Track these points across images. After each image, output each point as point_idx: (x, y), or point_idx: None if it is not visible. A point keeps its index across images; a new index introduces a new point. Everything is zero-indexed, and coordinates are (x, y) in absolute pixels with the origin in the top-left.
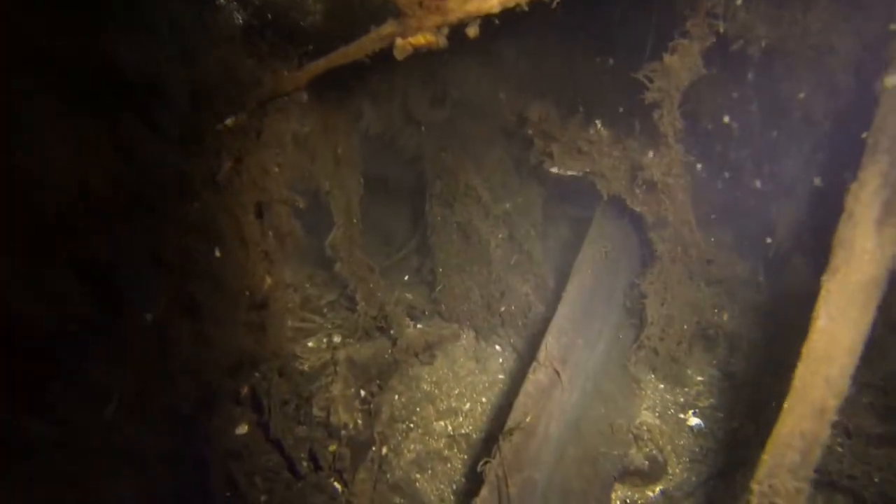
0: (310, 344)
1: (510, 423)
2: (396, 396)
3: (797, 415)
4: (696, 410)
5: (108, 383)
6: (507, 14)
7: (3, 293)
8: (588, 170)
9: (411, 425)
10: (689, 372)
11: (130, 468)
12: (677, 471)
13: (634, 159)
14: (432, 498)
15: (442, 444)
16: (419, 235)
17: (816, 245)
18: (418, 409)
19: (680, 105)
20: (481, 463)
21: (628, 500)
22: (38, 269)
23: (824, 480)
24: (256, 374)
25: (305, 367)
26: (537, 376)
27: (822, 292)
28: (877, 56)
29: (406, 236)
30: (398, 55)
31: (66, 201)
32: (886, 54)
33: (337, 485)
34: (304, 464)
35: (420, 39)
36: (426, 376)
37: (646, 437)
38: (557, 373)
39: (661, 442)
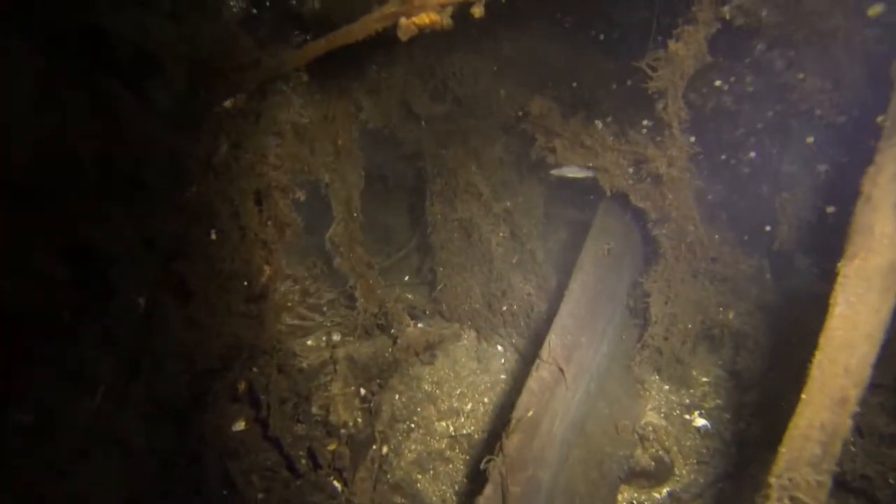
0: (309, 342)
1: (513, 420)
2: (397, 396)
3: (816, 406)
4: (703, 411)
5: (96, 369)
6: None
7: None
8: (591, 164)
9: (412, 425)
10: (695, 373)
11: (115, 459)
12: (684, 472)
13: (638, 152)
14: (434, 499)
15: (444, 445)
16: (419, 234)
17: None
18: (419, 409)
19: (684, 94)
20: (484, 461)
21: (635, 502)
22: (24, 249)
23: (837, 481)
24: (254, 370)
25: (304, 365)
26: (541, 374)
27: (840, 278)
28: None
29: (406, 235)
30: (402, 35)
31: (53, 177)
32: None
33: (336, 483)
34: (303, 462)
35: (424, 19)
36: (427, 376)
37: (651, 438)
38: (561, 370)
39: (667, 443)
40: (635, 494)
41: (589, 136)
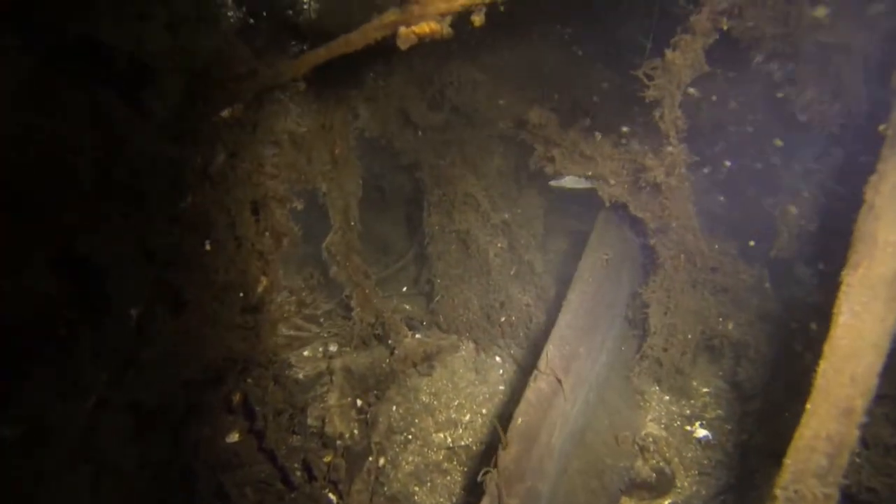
0: (305, 353)
1: (510, 431)
2: (394, 407)
3: (822, 416)
4: (703, 422)
5: (87, 382)
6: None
7: None
8: (590, 173)
9: (409, 437)
10: (695, 383)
11: (105, 474)
12: (686, 484)
13: (637, 161)
14: None
15: (441, 457)
16: (417, 245)
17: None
18: (417, 420)
19: (681, 104)
20: (482, 473)
21: None
22: (16, 260)
23: (843, 493)
24: (249, 381)
25: (300, 376)
26: (538, 384)
27: (843, 287)
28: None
29: (404, 246)
30: (401, 44)
31: (47, 186)
32: None
33: (332, 496)
34: (298, 474)
35: (424, 28)
36: (425, 387)
37: (652, 449)
38: (559, 381)
39: (667, 454)
40: None
41: (588, 145)
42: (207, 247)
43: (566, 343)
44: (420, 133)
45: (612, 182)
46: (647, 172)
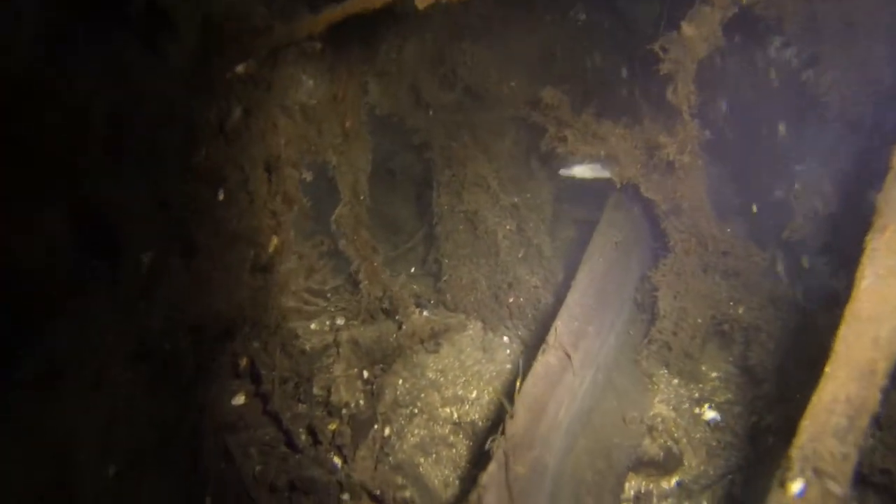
0: (312, 326)
1: (519, 401)
2: (401, 381)
3: (841, 378)
4: (713, 405)
5: (100, 326)
6: None
7: None
8: (602, 152)
9: (416, 411)
10: (704, 368)
11: (116, 417)
12: (694, 463)
13: (650, 139)
14: (436, 482)
15: (447, 431)
16: (426, 226)
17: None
18: (423, 395)
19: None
20: (490, 440)
21: (643, 490)
22: (32, 208)
23: (855, 475)
24: (256, 345)
25: (307, 348)
26: (547, 358)
27: (867, 251)
28: None
29: (413, 228)
30: (420, 4)
31: (62, 133)
32: None
33: (336, 460)
34: (303, 438)
35: None
36: (431, 364)
37: (660, 429)
38: (568, 356)
39: (676, 434)
40: (643, 483)
41: (600, 125)
42: (221, 197)
43: (575, 320)
44: (431, 112)
45: (625, 162)
46: (660, 150)
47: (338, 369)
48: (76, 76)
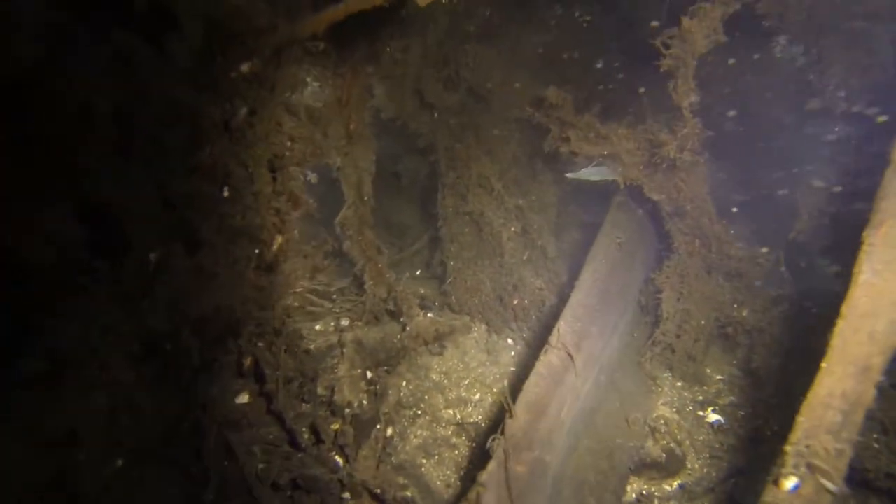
0: (317, 327)
1: (520, 401)
2: (404, 383)
3: (838, 374)
4: (716, 408)
5: (106, 320)
6: None
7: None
8: (605, 153)
9: (419, 412)
10: (708, 371)
11: (121, 410)
12: (696, 466)
13: (652, 138)
14: (438, 483)
15: (450, 432)
16: (431, 229)
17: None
18: (426, 396)
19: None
20: (491, 439)
21: (645, 493)
22: (38, 206)
23: (859, 480)
24: (261, 345)
25: (311, 348)
26: (549, 358)
27: (865, 247)
28: None
29: (419, 231)
30: (421, 0)
31: (69, 132)
32: None
33: (339, 459)
34: (306, 437)
35: None
36: (436, 366)
37: (663, 431)
38: (571, 357)
39: (679, 436)
40: (645, 486)
41: (603, 125)
42: (225, 193)
43: (578, 320)
44: (436, 115)
45: (628, 162)
46: (661, 148)
47: (342, 370)
48: (80, 75)
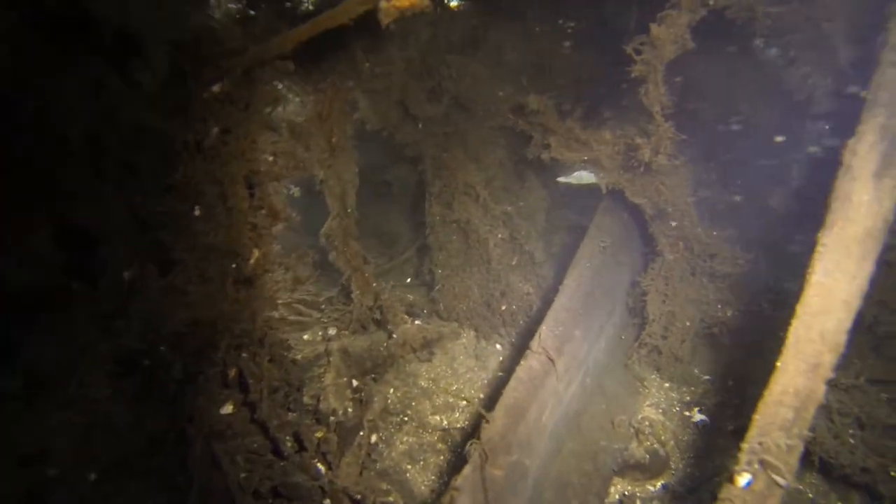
0: (305, 336)
1: (498, 405)
2: (392, 390)
3: (790, 372)
4: (703, 408)
5: (82, 339)
6: None
7: None
8: (586, 158)
9: (405, 419)
10: (696, 371)
11: (97, 426)
12: (681, 465)
13: (628, 142)
14: (423, 488)
15: (436, 438)
16: (421, 237)
17: None
18: (414, 403)
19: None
20: (469, 443)
21: (627, 494)
22: (13, 228)
23: (838, 475)
24: (244, 356)
25: (298, 357)
26: (529, 363)
27: (818, 248)
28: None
29: (409, 239)
30: (383, 18)
31: (44, 157)
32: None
33: (321, 466)
34: (289, 445)
35: (404, 2)
36: (424, 373)
37: (647, 432)
38: (552, 361)
39: (663, 437)
40: (629, 487)
41: (583, 131)
42: (197, 212)
43: (560, 324)
44: (420, 125)
45: (608, 166)
46: (636, 152)
47: (328, 378)
48: (54, 103)
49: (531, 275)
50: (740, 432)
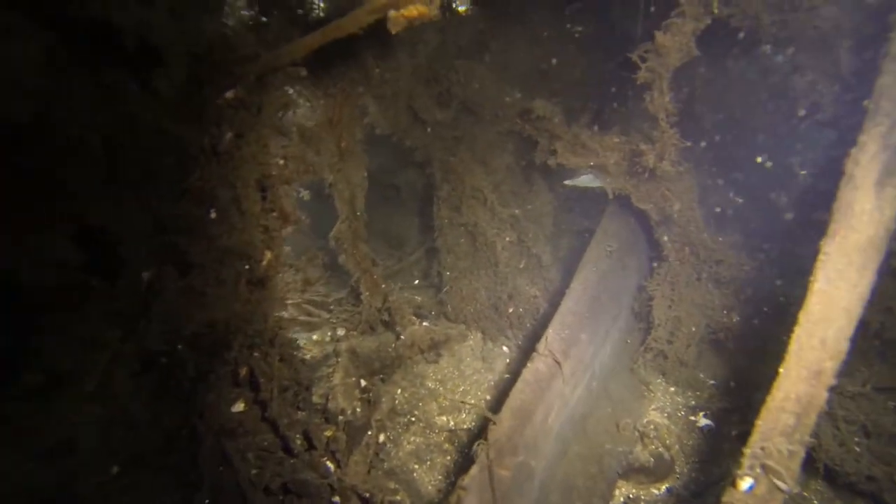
0: (314, 337)
1: (505, 406)
2: (399, 391)
3: (793, 378)
4: (708, 413)
5: (102, 337)
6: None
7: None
8: (592, 164)
9: (413, 419)
10: (702, 375)
11: (117, 422)
12: (686, 470)
13: (633, 149)
14: (430, 487)
15: (443, 438)
16: (429, 240)
17: None
18: (421, 404)
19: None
20: (476, 444)
21: (632, 497)
22: (36, 230)
23: (843, 483)
24: (256, 356)
25: (308, 357)
26: (536, 365)
27: (821, 256)
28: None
29: (418, 241)
30: (392, 28)
31: (65, 163)
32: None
33: (330, 464)
34: (298, 443)
35: (413, 11)
36: (431, 374)
37: (652, 436)
38: (558, 364)
39: (668, 441)
40: (633, 490)
41: (589, 137)
42: (213, 215)
43: (567, 328)
44: (429, 130)
45: (614, 172)
46: (640, 158)
47: (336, 378)
48: (77, 111)
49: (538, 278)
50: (744, 437)
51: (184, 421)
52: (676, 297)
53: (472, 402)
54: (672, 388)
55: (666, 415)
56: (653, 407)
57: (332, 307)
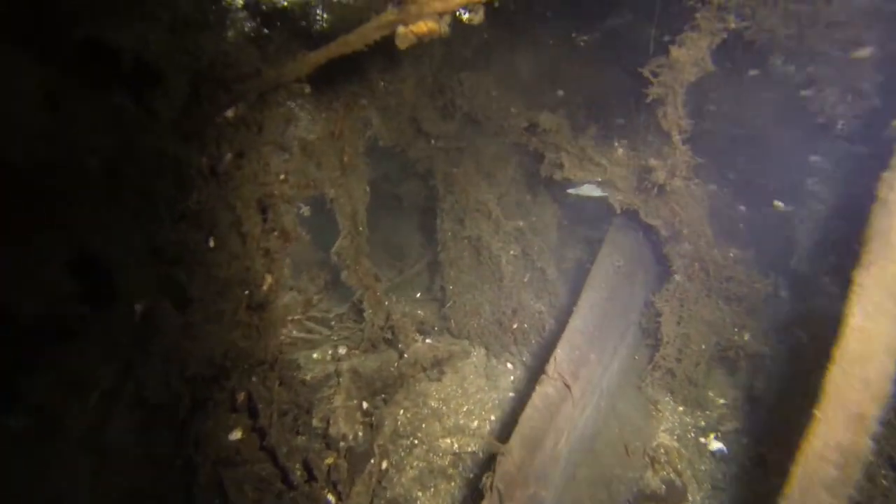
0: (315, 355)
1: (514, 436)
2: (402, 411)
3: (832, 424)
4: (719, 434)
5: (92, 373)
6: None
7: None
8: (599, 180)
9: (415, 441)
10: (711, 394)
11: (108, 465)
12: (698, 497)
13: (642, 164)
14: None
15: (447, 462)
16: (431, 252)
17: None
18: (424, 425)
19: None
20: (485, 477)
21: None
22: (26, 258)
23: None
24: (254, 380)
25: (308, 378)
26: (545, 389)
27: (855, 288)
28: None
29: (420, 254)
30: (400, 43)
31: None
32: None
33: (331, 497)
34: (298, 474)
35: (422, 27)
36: (434, 393)
37: (663, 461)
38: (568, 387)
39: (679, 466)
40: None
41: (596, 151)
42: (211, 243)
43: (576, 348)
44: (433, 142)
45: (622, 187)
46: (651, 173)
47: (338, 400)
48: (74, 135)
49: (543, 292)
50: (761, 463)
51: (178, 451)
52: (686, 314)
53: (476, 423)
54: (680, 408)
55: (675, 437)
56: (662, 428)
57: (332, 323)
